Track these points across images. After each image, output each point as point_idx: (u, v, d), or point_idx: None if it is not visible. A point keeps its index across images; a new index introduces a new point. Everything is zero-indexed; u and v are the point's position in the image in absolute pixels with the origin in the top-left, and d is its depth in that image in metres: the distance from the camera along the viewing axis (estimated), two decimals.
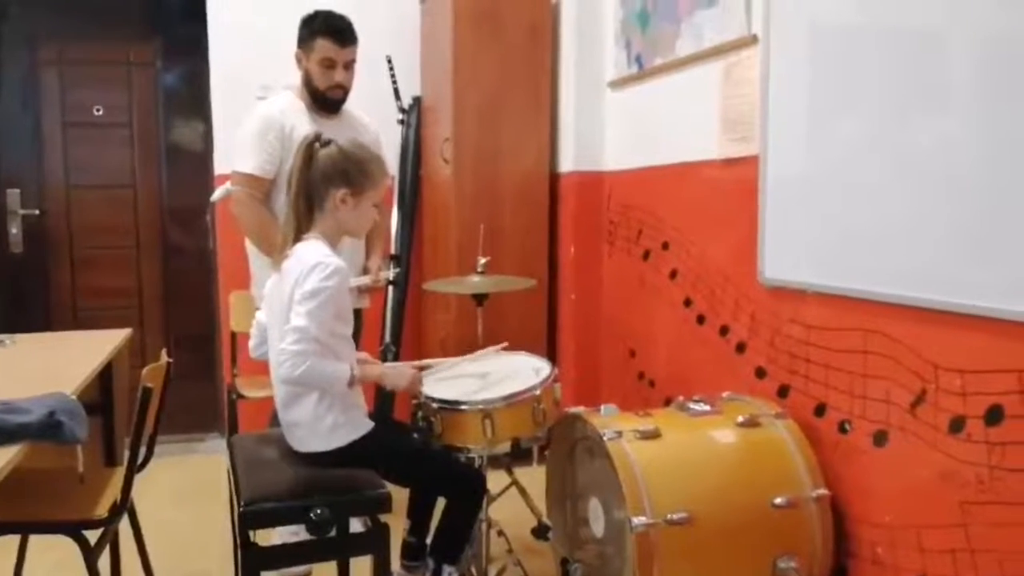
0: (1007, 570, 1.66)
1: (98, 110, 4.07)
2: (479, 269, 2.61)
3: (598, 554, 2.20)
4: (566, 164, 3.56)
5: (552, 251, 3.63)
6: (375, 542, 1.96)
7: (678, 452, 2.10)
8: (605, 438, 2.03)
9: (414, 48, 3.87)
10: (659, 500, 1.95)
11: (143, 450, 1.97)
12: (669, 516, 1.94)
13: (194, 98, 4.05)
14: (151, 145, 4.15)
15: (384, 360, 3.19)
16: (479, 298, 2.60)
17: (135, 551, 2.22)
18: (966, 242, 1.72)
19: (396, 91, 3.61)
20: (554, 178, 3.61)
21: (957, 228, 1.74)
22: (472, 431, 2.14)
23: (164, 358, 2.09)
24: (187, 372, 3.67)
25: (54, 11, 3.94)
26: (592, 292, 3.54)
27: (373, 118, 2.95)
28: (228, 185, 2.74)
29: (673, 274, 2.95)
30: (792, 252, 2.28)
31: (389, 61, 3.53)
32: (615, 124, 3.42)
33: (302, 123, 2.63)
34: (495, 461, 2.41)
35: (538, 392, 2.18)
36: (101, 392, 2.48)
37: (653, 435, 2.08)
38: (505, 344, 2.40)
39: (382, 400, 3.20)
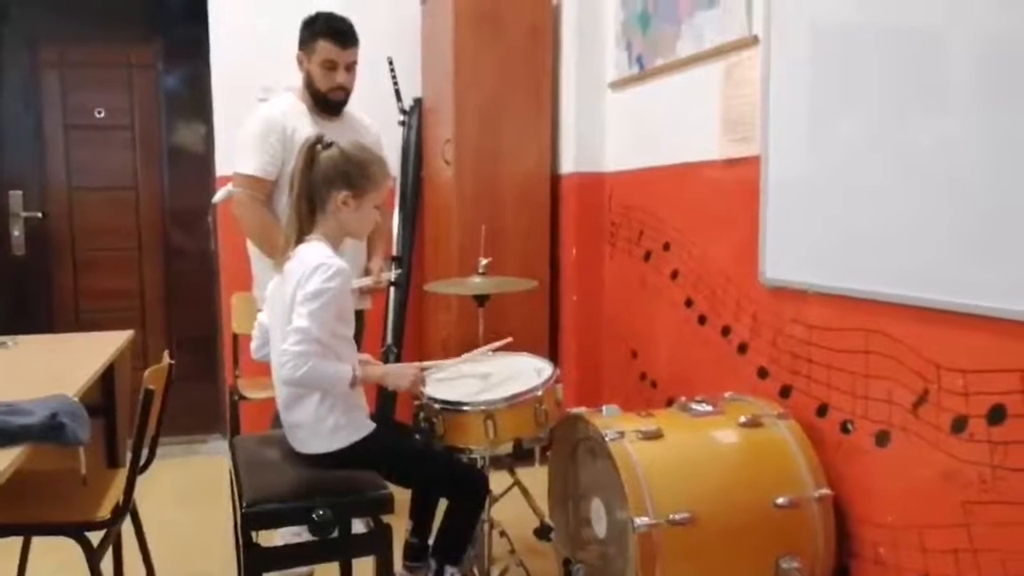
0: (1009, 570, 1.66)
1: (99, 112, 4.08)
2: (480, 270, 2.61)
3: (600, 555, 2.20)
4: (567, 165, 3.56)
5: (553, 252, 3.63)
6: (377, 543, 1.95)
7: (680, 452, 2.10)
8: (607, 438, 2.03)
9: (415, 49, 3.87)
10: (661, 500, 1.95)
11: (145, 451, 1.97)
12: (671, 516, 1.94)
13: (195, 100, 4.05)
14: (152, 147, 4.16)
15: (386, 361, 3.20)
16: (480, 299, 2.60)
17: (138, 552, 2.22)
18: (968, 242, 1.72)
19: (397, 92, 3.61)
20: (555, 179, 3.61)
21: (959, 227, 1.74)
22: (474, 432, 2.14)
23: (166, 360, 2.09)
24: (189, 374, 3.67)
25: (55, 13, 3.94)
26: (594, 293, 3.54)
27: (374, 120, 2.95)
28: (230, 187, 2.74)
29: (674, 275, 2.95)
30: (793, 252, 2.28)
31: (390, 62, 3.53)
32: (616, 125, 3.42)
33: (304, 125, 2.64)
34: (497, 462, 2.41)
35: (540, 393, 2.18)
36: (103, 394, 2.48)
37: (655, 435, 2.08)
38: (509, 339, 2.39)
39: (384, 401, 3.20)
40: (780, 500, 2.02)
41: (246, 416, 3.12)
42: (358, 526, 2.29)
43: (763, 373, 2.45)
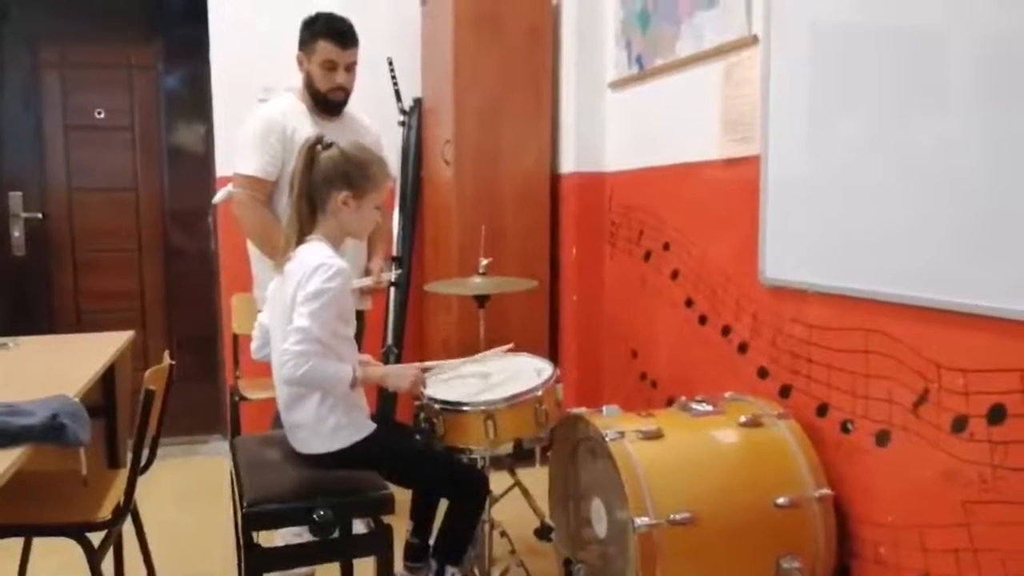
0: (1010, 569, 1.66)
1: (99, 113, 4.08)
2: (481, 270, 2.61)
3: (601, 555, 2.20)
4: (567, 165, 3.56)
5: (553, 252, 3.63)
6: (378, 543, 1.96)
7: (680, 452, 2.10)
8: (607, 439, 2.03)
9: (415, 50, 3.87)
10: (662, 500, 1.95)
11: (146, 452, 1.97)
12: (672, 516, 1.94)
13: (195, 100, 4.05)
14: (153, 148, 4.16)
15: (386, 362, 3.20)
16: (481, 299, 2.60)
17: (138, 553, 2.22)
18: (968, 242, 1.72)
19: (397, 93, 3.61)
20: (555, 179, 3.62)
21: (959, 227, 1.74)
22: (474, 432, 2.14)
23: (166, 360, 2.09)
24: (189, 374, 3.67)
25: (55, 13, 3.94)
26: (594, 293, 3.54)
27: (374, 120, 2.95)
28: (230, 187, 2.74)
29: (674, 274, 2.95)
30: (793, 252, 2.28)
31: (390, 63, 3.53)
32: (616, 125, 3.42)
33: (304, 125, 2.64)
34: (497, 462, 2.41)
35: (540, 393, 2.18)
36: (104, 394, 2.48)
37: (655, 435, 2.08)
38: (511, 345, 2.40)
39: (384, 401, 3.20)
40: (780, 500, 2.02)
41: (247, 417, 3.12)
42: (359, 526, 2.29)
43: (763, 373, 2.45)
